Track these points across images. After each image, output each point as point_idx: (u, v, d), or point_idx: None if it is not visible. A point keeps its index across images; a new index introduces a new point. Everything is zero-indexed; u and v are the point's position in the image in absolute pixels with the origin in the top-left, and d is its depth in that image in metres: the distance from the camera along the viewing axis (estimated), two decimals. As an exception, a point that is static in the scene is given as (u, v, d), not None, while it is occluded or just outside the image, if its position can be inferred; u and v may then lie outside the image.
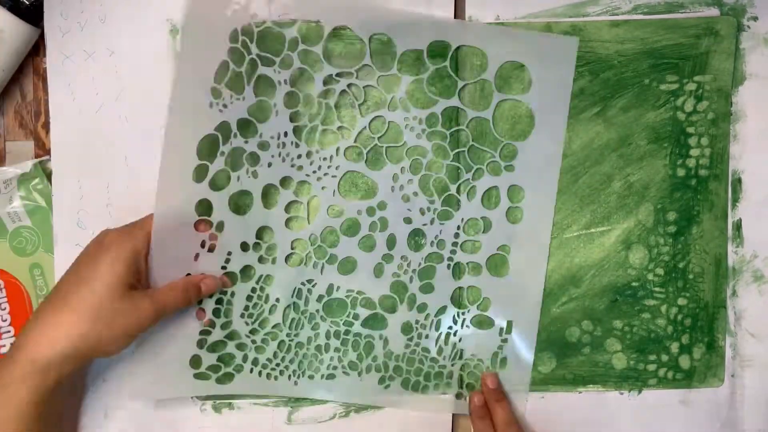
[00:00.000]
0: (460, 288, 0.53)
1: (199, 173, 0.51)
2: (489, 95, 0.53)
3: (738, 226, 0.54)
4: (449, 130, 0.53)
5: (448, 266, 0.53)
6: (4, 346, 0.53)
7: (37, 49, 0.53)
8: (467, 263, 0.53)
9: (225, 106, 0.51)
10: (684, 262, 0.54)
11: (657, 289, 0.54)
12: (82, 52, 0.52)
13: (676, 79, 0.53)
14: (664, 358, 0.54)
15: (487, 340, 0.54)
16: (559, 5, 0.53)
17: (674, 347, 0.54)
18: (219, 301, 0.52)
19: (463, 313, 0.53)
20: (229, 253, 0.52)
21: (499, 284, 0.53)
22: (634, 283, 0.54)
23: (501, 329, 0.53)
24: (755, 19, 0.53)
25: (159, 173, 0.50)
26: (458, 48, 0.52)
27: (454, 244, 0.53)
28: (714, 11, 0.53)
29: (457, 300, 0.54)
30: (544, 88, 0.53)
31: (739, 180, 0.54)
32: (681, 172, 0.54)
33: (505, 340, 0.53)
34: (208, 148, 0.51)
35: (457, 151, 0.53)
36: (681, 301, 0.54)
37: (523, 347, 0.54)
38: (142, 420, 0.53)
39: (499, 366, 0.54)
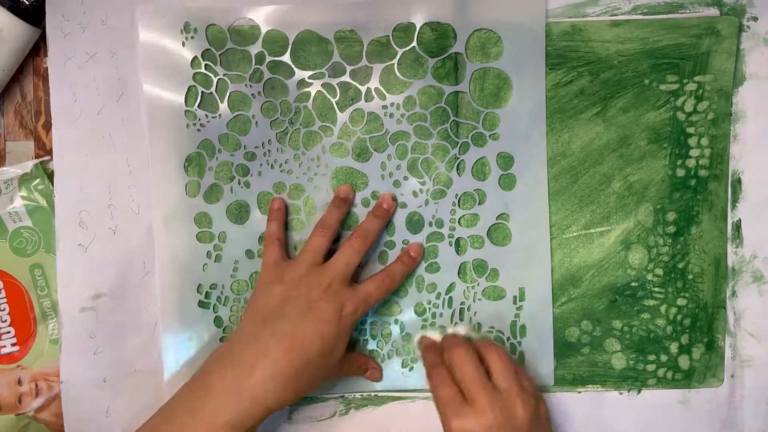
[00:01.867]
0: (465, 263, 0.54)
1: (192, 189, 0.53)
2: (462, 68, 0.53)
3: (738, 226, 0.54)
4: (428, 110, 0.53)
5: (450, 243, 0.54)
6: (4, 347, 0.53)
7: (37, 49, 0.53)
8: (468, 237, 0.54)
9: (203, 125, 0.52)
10: (683, 262, 0.54)
11: (656, 289, 0.54)
12: (84, 53, 0.52)
13: (676, 79, 0.53)
14: (664, 358, 0.54)
15: (502, 310, 0.54)
16: (559, 5, 0.53)
17: (674, 347, 0.54)
18: (234, 309, 0.53)
19: (473, 287, 0.54)
20: (236, 262, 0.53)
21: (503, 253, 0.54)
22: (633, 284, 0.54)
23: (514, 297, 0.54)
24: (755, 19, 0.53)
25: (152, 192, 0.52)
26: (423, 26, 0.52)
27: (452, 220, 0.53)
28: (714, 11, 0.53)
29: (464, 275, 0.54)
30: (517, 49, 0.52)
31: (739, 180, 0.54)
32: (681, 173, 0.54)
33: (520, 308, 0.54)
34: (196, 165, 0.53)
35: (439, 128, 0.53)
36: (680, 302, 0.54)
37: (539, 312, 0.54)
38: (144, 419, 0.53)
39: (519, 334, 0.54)
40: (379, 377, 0.54)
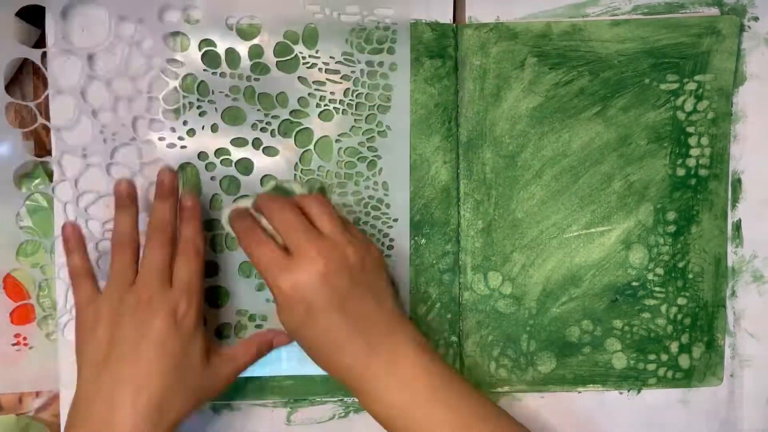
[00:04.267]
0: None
1: None
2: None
3: (738, 226, 0.54)
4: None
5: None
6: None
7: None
8: None
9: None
10: (684, 261, 0.54)
11: (657, 288, 0.54)
12: (83, 52, 0.52)
13: (676, 78, 0.53)
14: (664, 357, 0.54)
15: None
16: (559, 5, 0.53)
17: (674, 347, 0.54)
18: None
19: None
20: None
21: None
22: (634, 283, 0.54)
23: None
24: (756, 19, 0.53)
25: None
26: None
27: None
28: (714, 11, 0.53)
29: None
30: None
31: (739, 180, 0.54)
32: (681, 172, 0.54)
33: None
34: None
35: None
36: (681, 301, 0.54)
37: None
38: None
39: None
40: (287, 339, 0.49)
